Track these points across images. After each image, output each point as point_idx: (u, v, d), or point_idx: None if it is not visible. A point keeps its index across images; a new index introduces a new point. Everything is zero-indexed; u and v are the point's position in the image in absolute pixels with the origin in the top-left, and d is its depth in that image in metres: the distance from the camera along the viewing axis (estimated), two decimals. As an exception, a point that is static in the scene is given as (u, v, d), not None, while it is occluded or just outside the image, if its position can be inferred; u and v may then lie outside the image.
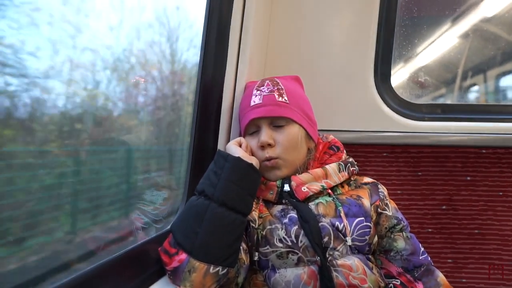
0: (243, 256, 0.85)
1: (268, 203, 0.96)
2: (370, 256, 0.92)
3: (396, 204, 1.02)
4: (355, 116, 1.33)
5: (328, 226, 0.87)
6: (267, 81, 1.01)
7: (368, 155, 1.32)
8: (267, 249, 0.87)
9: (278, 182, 0.95)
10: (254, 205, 0.93)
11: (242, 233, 0.81)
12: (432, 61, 1.71)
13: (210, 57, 1.06)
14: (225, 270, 0.75)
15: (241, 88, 1.11)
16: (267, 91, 0.98)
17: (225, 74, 1.08)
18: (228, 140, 1.08)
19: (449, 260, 1.28)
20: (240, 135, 1.05)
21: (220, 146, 1.08)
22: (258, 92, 0.99)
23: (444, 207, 1.29)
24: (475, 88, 1.88)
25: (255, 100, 0.98)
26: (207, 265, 0.73)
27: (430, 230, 1.29)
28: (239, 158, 0.82)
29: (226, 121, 1.09)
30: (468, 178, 1.29)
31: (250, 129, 0.99)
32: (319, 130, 1.09)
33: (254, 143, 0.97)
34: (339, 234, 0.87)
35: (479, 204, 1.28)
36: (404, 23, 1.43)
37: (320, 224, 0.87)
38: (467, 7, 1.63)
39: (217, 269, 0.74)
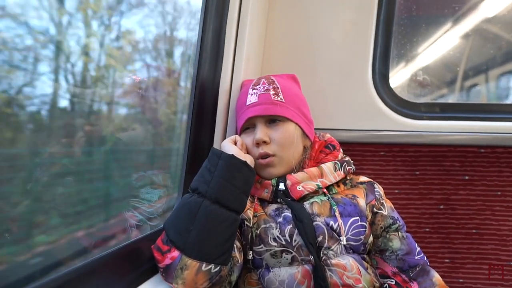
0: (236, 254, 0.84)
1: (263, 202, 0.95)
2: (365, 256, 0.91)
3: (394, 203, 1.01)
4: (353, 114, 1.32)
5: (323, 226, 0.87)
6: (263, 80, 1.01)
7: (366, 154, 1.31)
8: (261, 248, 0.87)
9: (273, 181, 0.94)
10: (249, 204, 0.93)
11: (236, 231, 0.80)
12: (431, 60, 1.70)
13: (206, 55, 1.06)
14: (218, 268, 0.75)
15: (237, 86, 1.10)
16: (262, 90, 0.98)
17: (221, 72, 1.08)
18: (224, 138, 1.08)
19: (447, 260, 1.27)
20: (236, 133, 1.05)
21: (216, 144, 1.08)
22: (254, 91, 0.99)
23: (441, 206, 1.28)
24: (475, 87, 1.87)
25: (251, 99, 0.98)
26: (199, 263, 0.73)
27: (427, 229, 1.28)
28: (232, 155, 0.82)
29: (222, 119, 1.09)
30: (466, 177, 1.28)
31: (246, 127, 0.99)
32: (316, 129, 1.09)
33: (249, 140, 0.96)
34: (334, 234, 0.87)
35: (477, 204, 1.27)
36: (402, 21, 1.42)
37: (314, 223, 0.87)
38: (466, 6, 1.62)
39: (210, 267, 0.73)
